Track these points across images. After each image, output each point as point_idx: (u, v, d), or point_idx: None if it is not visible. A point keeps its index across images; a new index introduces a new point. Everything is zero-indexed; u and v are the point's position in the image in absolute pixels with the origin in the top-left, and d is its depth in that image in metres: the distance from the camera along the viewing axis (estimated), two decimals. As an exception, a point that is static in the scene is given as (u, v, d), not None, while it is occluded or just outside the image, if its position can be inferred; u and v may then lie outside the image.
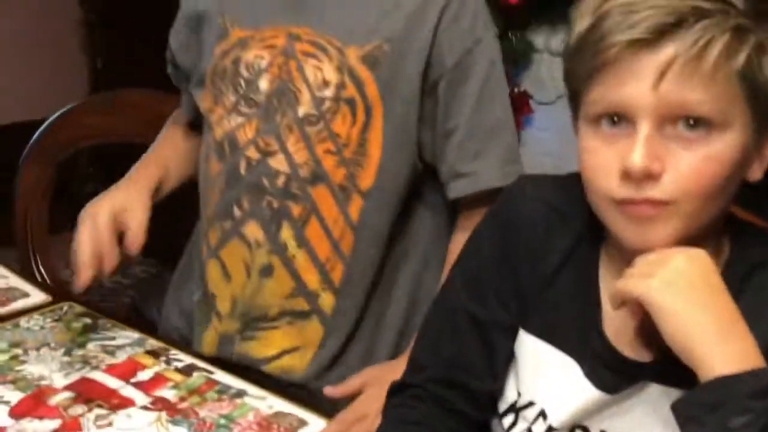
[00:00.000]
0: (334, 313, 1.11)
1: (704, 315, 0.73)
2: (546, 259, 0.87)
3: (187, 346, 1.13)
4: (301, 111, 1.07)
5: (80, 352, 1.05)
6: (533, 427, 0.87)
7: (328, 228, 1.09)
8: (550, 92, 2.08)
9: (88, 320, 1.12)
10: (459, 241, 1.08)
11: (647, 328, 0.78)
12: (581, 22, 0.77)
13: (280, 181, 1.08)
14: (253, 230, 1.10)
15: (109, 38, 2.93)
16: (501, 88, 1.14)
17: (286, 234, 1.09)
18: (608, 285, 0.83)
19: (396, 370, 0.99)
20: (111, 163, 2.86)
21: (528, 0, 1.93)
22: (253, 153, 1.09)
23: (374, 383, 1.05)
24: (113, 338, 1.08)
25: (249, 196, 1.10)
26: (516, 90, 2.03)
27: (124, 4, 2.82)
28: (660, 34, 0.72)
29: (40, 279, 1.33)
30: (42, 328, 1.09)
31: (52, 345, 1.05)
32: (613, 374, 0.82)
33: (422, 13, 1.07)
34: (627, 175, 0.74)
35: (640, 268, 0.75)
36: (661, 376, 0.79)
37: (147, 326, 1.17)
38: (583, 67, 0.77)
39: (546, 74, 2.06)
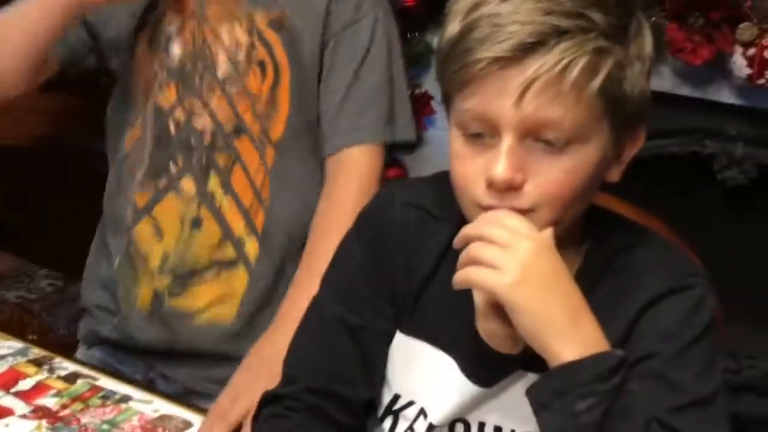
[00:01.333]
0: (258, 260, 1.19)
1: (554, 308, 0.76)
2: (420, 261, 0.90)
3: (70, 352, 1.13)
4: (220, 73, 1.17)
5: (-41, 363, 1.03)
6: (415, 426, 0.89)
7: (251, 176, 1.18)
8: (452, 93, 2.12)
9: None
10: (335, 184, 1.18)
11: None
12: (452, 25, 0.80)
13: (207, 137, 1.18)
14: (188, 184, 1.18)
15: None
16: (382, 59, 1.22)
17: (214, 183, 1.17)
18: None
19: (265, 345, 1.07)
20: (12, 171, 2.81)
21: (424, 1, 1.95)
22: (180, 115, 1.18)
23: (242, 365, 1.08)
24: (-5, 349, 1.06)
25: (182, 153, 1.18)
26: (417, 91, 2.05)
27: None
28: (523, 52, 0.75)
29: None
30: None
31: (-69, 358, 1.03)
32: (486, 369, 0.85)
33: None
34: (491, 184, 0.77)
35: (486, 253, 0.76)
36: (531, 366, 0.82)
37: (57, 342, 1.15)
38: (452, 76, 0.80)
39: (447, 75, 2.11)
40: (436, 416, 0.88)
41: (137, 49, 1.21)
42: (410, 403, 0.89)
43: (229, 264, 1.18)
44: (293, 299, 1.12)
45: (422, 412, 0.89)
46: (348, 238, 0.95)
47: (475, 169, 0.79)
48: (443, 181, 0.86)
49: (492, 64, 0.76)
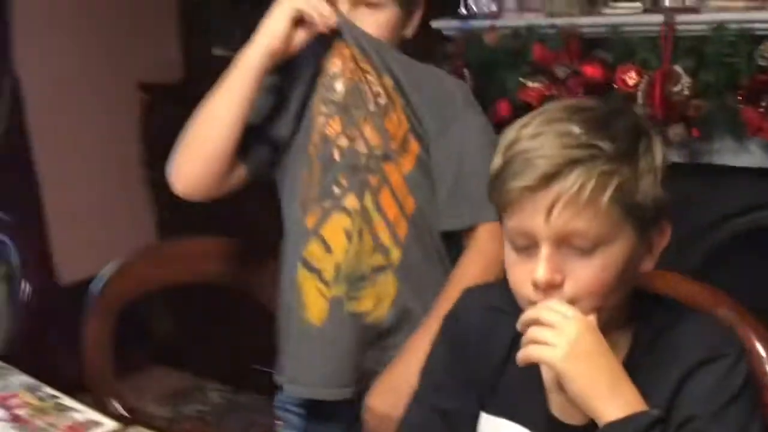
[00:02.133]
0: (402, 265, 1.42)
1: (598, 377, 0.93)
2: (494, 353, 1.08)
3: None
4: (371, 107, 1.40)
5: (146, 467, 1.27)
6: None
7: (396, 194, 1.41)
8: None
9: (152, 440, 1.34)
10: (465, 261, 1.40)
11: None
12: (496, 158, 1.01)
13: (363, 160, 1.40)
14: (352, 202, 1.40)
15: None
16: (477, 163, 1.38)
17: (368, 200, 1.40)
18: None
19: (393, 371, 1.35)
20: (184, 303, 3.17)
21: (517, 110, 2.16)
22: (343, 142, 1.40)
23: (375, 389, 1.36)
24: (175, 453, 1.30)
25: (346, 174, 1.40)
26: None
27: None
28: (546, 180, 0.94)
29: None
30: (114, 450, 1.31)
31: (122, 463, 1.28)
32: None
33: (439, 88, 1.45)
34: (536, 285, 0.96)
35: (541, 334, 0.95)
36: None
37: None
38: (497, 200, 1.00)
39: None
40: None
41: (310, 101, 1.44)
42: None
43: (381, 269, 1.41)
44: (418, 338, 1.34)
45: None
46: (437, 341, 1.15)
47: (524, 275, 0.98)
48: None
49: (524, 190, 0.96)
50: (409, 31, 1.48)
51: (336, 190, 1.40)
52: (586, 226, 0.94)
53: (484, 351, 1.09)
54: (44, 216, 2.89)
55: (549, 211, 0.94)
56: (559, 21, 2.17)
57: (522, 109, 2.13)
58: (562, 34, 2.12)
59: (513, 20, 2.29)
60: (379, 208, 1.40)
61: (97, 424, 1.36)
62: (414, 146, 1.42)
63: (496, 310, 1.10)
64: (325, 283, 1.41)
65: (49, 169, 2.97)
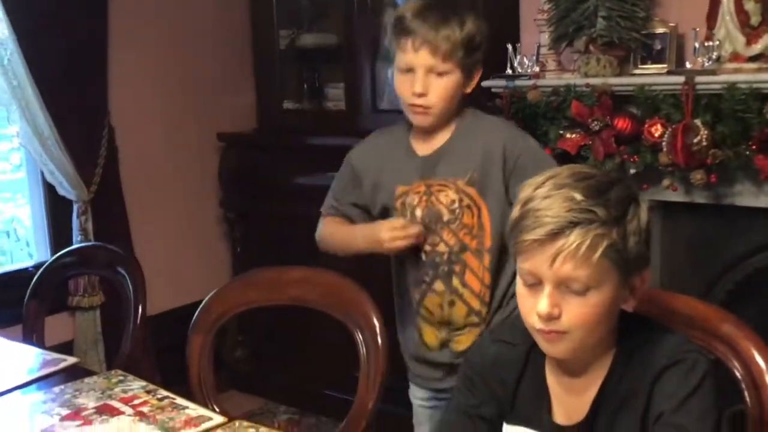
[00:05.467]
0: (488, 317, 1.91)
1: None
2: (509, 375, 1.33)
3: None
4: (444, 218, 1.88)
5: (248, 453, 1.56)
6: None
7: (477, 274, 1.89)
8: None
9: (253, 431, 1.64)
10: None
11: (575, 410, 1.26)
12: (514, 210, 1.23)
13: (445, 256, 1.90)
14: (440, 286, 1.91)
15: (244, 230, 3.57)
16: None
17: (456, 282, 1.90)
18: (552, 378, 1.29)
19: None
20: (256, 332, 3.46)
21: (557, 158, 2.41)
22: (427, 248, 1.90)
23: None
24: (273, 442, 1.59)
25: (431, 270, 1.92)
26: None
27: (254, 204, 3.49)
28: (552, 236, 1.16)
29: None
30: (223, 439, 1.61)
31: (229, 449, 1.58)
32: None
33: (491, 152, 1.85)
34: (539, 316, 1.19)
35: None
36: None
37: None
38: (513, 247, 1.23)
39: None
40: None
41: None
42: None
43: (476, 325, 1.91)
44: None
45: None
46: (462, 368, 1.41)
47: (530, 306, 1.21)
48: (517, 318, 1.29)
49: (534, 242, 1.17)
50: (469, 89, 1.89)
51: (426, 278, 1.93)
52: (580, 274, 1.16)
53: (501, 375, 1.34)
54: (133, 251, 3.18)
55: (553, 260, 1.16)
56: (593, 81, 2.44)
57: (562, 156, 2.41)
58: (596, 92, 2.40)
59: (553, 80, 2.58)
60: (466, 286, 1.90)
61: (208, 418, 1.67)
62: (487, 223, 1.87)
63: (504, 342, 1.36)
64: (436, 329, 1.96)
65: (137, 208, 3.31)
